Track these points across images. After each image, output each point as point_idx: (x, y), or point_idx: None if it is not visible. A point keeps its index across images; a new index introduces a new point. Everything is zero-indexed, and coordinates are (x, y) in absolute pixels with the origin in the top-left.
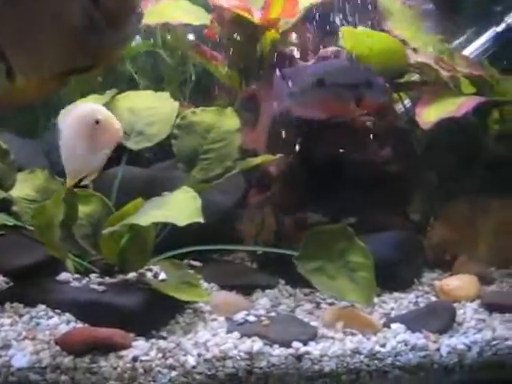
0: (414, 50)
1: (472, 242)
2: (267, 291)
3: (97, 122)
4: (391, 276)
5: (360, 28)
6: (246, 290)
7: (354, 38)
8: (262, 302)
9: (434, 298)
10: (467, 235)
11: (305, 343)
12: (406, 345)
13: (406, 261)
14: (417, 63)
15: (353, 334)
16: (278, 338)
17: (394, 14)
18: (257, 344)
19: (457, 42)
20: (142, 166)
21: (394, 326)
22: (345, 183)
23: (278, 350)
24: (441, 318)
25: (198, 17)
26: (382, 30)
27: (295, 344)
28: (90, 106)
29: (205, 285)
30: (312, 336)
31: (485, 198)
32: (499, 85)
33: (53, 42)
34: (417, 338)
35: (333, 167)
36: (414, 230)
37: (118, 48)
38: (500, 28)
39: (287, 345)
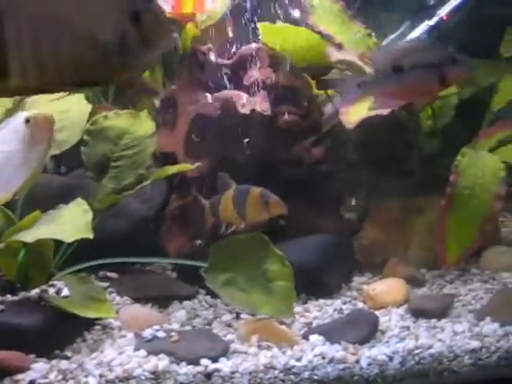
0: (339, 45)
1: (403, 243)
2: (185, 302)
3: (27, 121)
4: (317, 282)
5: (279, 23)
6: (163, 302)
7: (274, 34)
8: (179, 314)
9: (361, 304)
10: (398, 236)
11: (214, 360)
12: (323, 358)
13: (332, 266)
14: (338, 60)
15: (268, 348)
16: (186, 355)
17: (319, 9)
18: (163, 362)
19: (392, 36)
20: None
21: (312, 337)
22: (271, 185)
23: (185, 368)
24: (361, 327)
25: None
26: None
27: (204, 361)
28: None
29: (117, 298)
30: (223, 351)
31: (416, 198)
32: None
33: (71, 50)
34: (335, 350)
35: (257, 168)
36: (348, 231)
37: (141, 68)
38: (432, 21)
39: (195, 362)
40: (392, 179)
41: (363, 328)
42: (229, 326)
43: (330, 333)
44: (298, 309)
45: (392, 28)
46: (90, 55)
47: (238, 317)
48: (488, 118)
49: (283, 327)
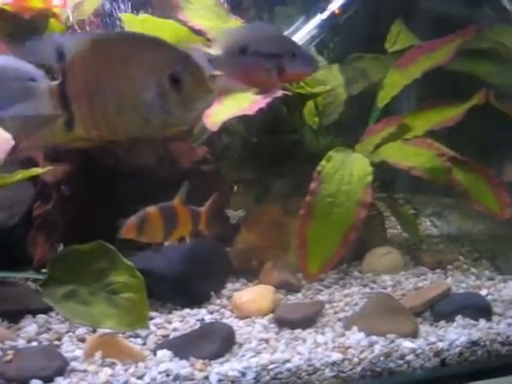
0: (208, 40)
1: (281, 246)
2: (39, 316)
3: None
4: (182, 291)
5: (143, 15)
6: (14, 317)
7: (138, 26)
8: (30, 329)
9: (229, 313)
10: (276, 239)
11: (48, 380)
12: (167, 375)
13: (201, 272)
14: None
15: (112, 365)
16: (16, 376)
17: (193, 3)
18: None
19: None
20: None
21: (160, 353)
22: (145, 187)
23: None
24: (214, 340)
25: None
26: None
27: (34, 382)
28: None
29: None
30: (59, 370)
31: (298, 198)
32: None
33: (118, 112)
34: (181, 367)
35: (126, 170)
36: (227, 233)
37: (184, 126)
38: (325, 15)
39: (25, 383)
40: (274, 179)
41: (215, 341)
42: (82, 340)
43: (180, 347)
44: (158, 320)
45: (287, 22)
46: (133, 116)
47: (94, 330)
48: (374, 115)
49: (127, 342)
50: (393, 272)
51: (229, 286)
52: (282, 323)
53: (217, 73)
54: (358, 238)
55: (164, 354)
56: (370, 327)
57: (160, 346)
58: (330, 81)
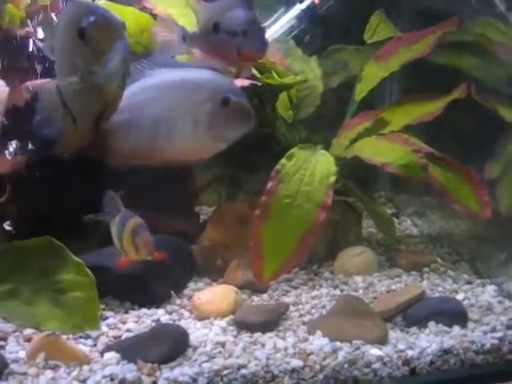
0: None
1: (246, 244)
2: None
3: None
4: (140, 289)
5: (104, 1)
6: None
7: None
8: None
9: (187, 314)
10: (243, 237)
11: None
12: (112, 379)
13: (161, 270)
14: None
15: (54, 368)
16: None
17: None
18: None
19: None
20: None
21: (108, 355)
22: (106, 183)
23: None
24: (164, 343)
25: None
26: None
27: None
28: None
29: None
30: None
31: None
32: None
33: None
34: (128, 371)
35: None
36: (193, 231)
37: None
38: (304, 5)
39: None
40: (246, 175)
41: (166, 344)
42: (29, 340)
43: (128, 349)
44: (112, 320)
45: (267, 12)
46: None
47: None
48: (351, 109)
49: (73, 344)
50: (365, 273)
51: (191, 285)
52: (242, 326)
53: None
54: (331, 236)
55: (111, 356)
56: (334, 332)
57: (108, 348)
58: (308, 73)
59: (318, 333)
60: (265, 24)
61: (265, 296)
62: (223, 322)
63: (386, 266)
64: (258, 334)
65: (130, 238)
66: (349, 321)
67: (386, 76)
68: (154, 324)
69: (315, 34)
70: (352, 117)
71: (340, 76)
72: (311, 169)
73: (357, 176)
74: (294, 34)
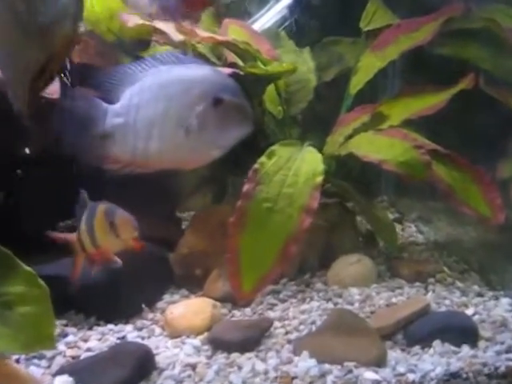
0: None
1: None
2: None
3: None
4: (107, 303)
5: None
6: None
7: None
8: None
9: (159, 330)
10: (223, 244)
11: None
12: None
13: (132, 281)
14: (137, 25)
15: None
16: None
17: None
18: None
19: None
20: None
21: (60, 379)
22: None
23: None
24: (126, 365)
25: None
26: None
27: None
28: None
29: None
30: None
31: None
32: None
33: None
34: None
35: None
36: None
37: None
38: None
39: None
40: (232, 176)
41: (127, 366)
42: None
43: (83, 373)
44: (72, 338)
45: (259, 3)
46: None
47: None
48: (346, 103)
49: (18, 366)
50: (363, 284)
51: (167, 297)
52: (217, 345)
53: None
54: (324, 243)
55: (64, 380)
56: (323, 352)
57: (61, 371)
58: (300, 65)
59: (305, 353)
60: (255, 15)
61: (248, 310)
62: (197, 341)
63: (387, 276)
64: (235, 355)
65: (103, 221)
66: (341, 339)
67: (384, 66)
68: (118, 342)
69: (309, 25)
70: (347, 112)
71: (335, 69)
72: (295, 168)
73: (356, 178)
74: (285, 25)
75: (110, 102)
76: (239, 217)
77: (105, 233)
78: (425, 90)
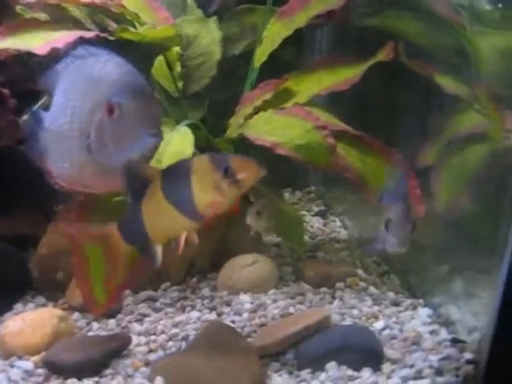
0: None
1: None
2: None
3: None
4: None
5: None
6: None
7: None
8: None
9: None
10: None
11: None
12: None
13: None
14: None
15: None
16: None
17: None
18: None
19: None
20: None
21: None
22: None
23: None
24: None
25: None
26: None
27: None
28: None
29: None
30: None
31: None
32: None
33: None
34: None
35: None
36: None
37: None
38: None
39: None
40: None
41: None
42: None
43: None
44: None
45: None
46: None
47: None
48: (250, 79)
49: None
50: (258, 290)
51: (19, 306)
52: (51, 368)
53: None
54: (219, 240)
55: None
56: (182, 379)
57: None
58: (203, 37)
59: (159, 380)
60: None
61: (112, 322)
62: (29, 363)
63: (291, 279)
64: (71, 381)
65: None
66: (210, 362)
67: (289, 35)
68: None
69: None
70: (252, 89)
71: (246, 41)
72: (158, 153)
73: (275, 167)
74: None
75: None
76: (81, 213)
77: None
78: (339, 62)
